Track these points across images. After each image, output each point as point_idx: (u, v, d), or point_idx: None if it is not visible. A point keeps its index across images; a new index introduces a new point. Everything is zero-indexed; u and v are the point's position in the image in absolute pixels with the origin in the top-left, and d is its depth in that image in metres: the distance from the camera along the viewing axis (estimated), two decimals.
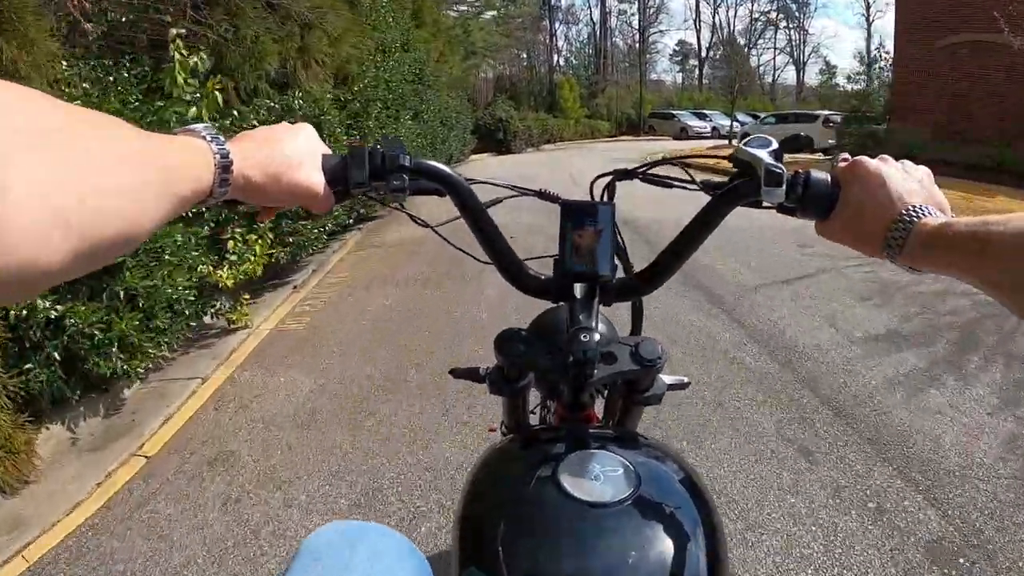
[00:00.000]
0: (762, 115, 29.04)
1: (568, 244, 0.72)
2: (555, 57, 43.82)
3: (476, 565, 0.55)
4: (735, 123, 29.39)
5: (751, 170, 0.67)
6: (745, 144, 0.68)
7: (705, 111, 35.61)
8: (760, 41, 54.14)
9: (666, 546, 0.53)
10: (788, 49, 55.11)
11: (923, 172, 0.63)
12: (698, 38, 52.35)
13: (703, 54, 52.18)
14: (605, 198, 0.81)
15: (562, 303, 0.77)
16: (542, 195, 0.80)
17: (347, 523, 0.67)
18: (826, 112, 22.16)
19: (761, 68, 55.29)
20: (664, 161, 0.82)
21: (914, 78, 14.17)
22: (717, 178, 0.75)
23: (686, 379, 0.86)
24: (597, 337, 0.63)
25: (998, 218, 0.48)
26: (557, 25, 45.57)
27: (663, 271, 0.74)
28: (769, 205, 0.67)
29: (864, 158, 0.63)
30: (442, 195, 0.74)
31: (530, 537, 0.55)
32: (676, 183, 0.80)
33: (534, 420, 0.98)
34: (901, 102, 14.85)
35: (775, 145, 0.67)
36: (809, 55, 55.51)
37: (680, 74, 55.97)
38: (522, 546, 0.54)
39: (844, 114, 19.82)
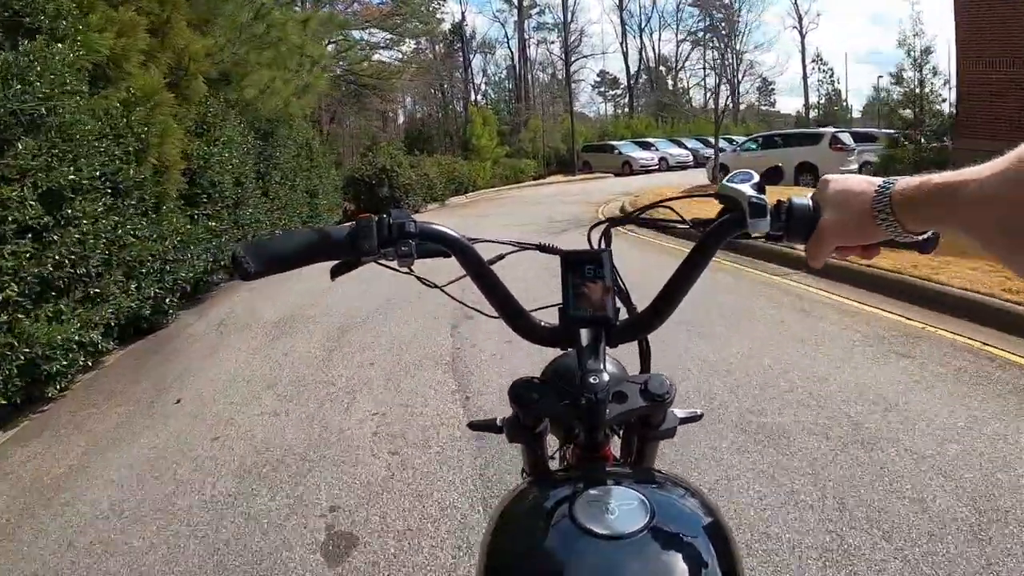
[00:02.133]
0: (738, 140, 23.55)
1: (571, 292, 0.77)
2: (472, 93, 37.97)
3: None
4: (709, 150, 23.86)
5: (736, 204, 0.70)
6: (728, 180, 0.72)
7: (648, 139, 30.02)
8: (686, 64, 50.28)
9: (684, 571, 0.54)
10: (720, 70, 51.42)
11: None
12: (626, 62, 47.83)
13: (631, 79, 47.60)
14: (602, 245, 0.83)
15: (570, 349, 0.78)
16: (543, 248, 0.84)
17: None
18: (832, 129, 16.49)
19: (689, 91, 51.36)
20: (656, 204, 0.88)
21: (975, 92, 11.86)
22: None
23: (699, 411, 0.87)
24: (606, 378, 0.69)
25: (969, 169, 0.49)
26: (472, 55, 39.82)
27: (663, 309, 0.77)
28: (757, 235, 0.70)
29: (830, 174, 0.68)
30: (447, 256, 0.78)
31: (549, 570, 0.56)
32: (669, 224, 0.84)
33: (553, 464, 0.93)
34: (965, 118, 12.08)
35: (756, 178, 0.71)
36: (744, 74, 52.02)
37: (604, 104, 51.28)
38: None
39: (889, 131, 14.08)
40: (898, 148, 12.42)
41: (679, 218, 0.84)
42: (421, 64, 29.78)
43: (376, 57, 23.97)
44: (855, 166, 14.70)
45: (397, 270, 0.78)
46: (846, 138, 15.49)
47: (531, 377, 0.75)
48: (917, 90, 12.71)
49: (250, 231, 7.46)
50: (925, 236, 0.60)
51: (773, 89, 53.37)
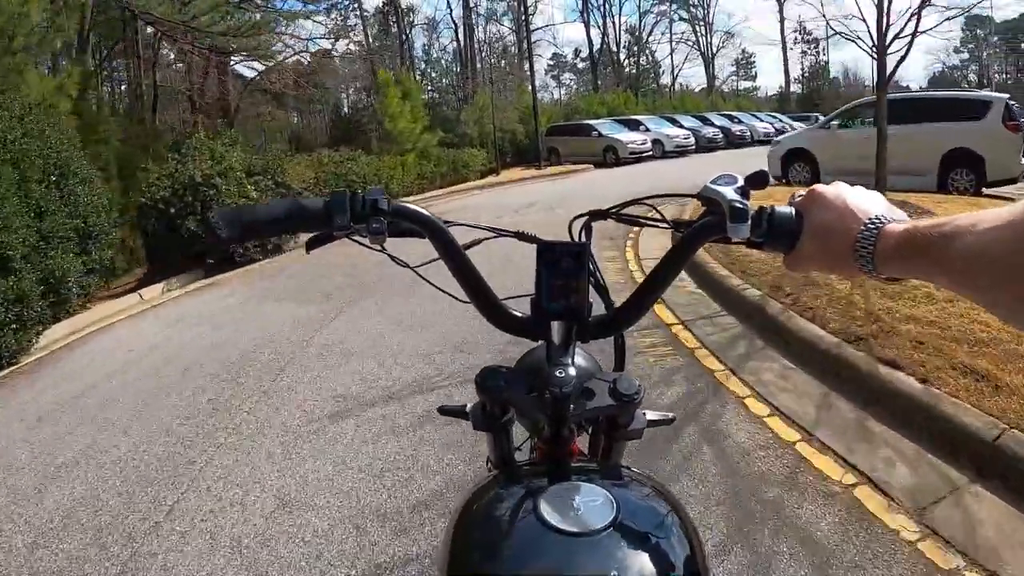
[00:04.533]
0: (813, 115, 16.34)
1: (544, 284, 0.75)
2: (414, 75, 30.01)
3: None
4: (710, 128, 16.54)
5: (718, 208, 0.68)
6: (712, 182, 0.70)
7: (634, 117, 22.62)
8: (650, 37, 43.29)
9: (646, 571, 0.54)
10: (693, 42, 44.61)
11: (875, 194, 0.63)
12: (587, 34, 40.47)
13: (594, 54, 40.29)
14: (582, 238, 0.82)
15: (541, 342, 0.77)
16: (520, 236, 0.83)
17: None
18: (1002, 96, 9.39)
19: (660, 65, 44.40)
20: (636, 201, 0.84)
21: None
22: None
23: (671, 415, 0.88)
24: (573, 373, 0.68)
25: (966, 218, 0.49)
26: (409, 31, 31.78)
27: (639, 307, 0.77)
28: (738, 240, 0.68)
29: (820, 185, 0.64)
30: (422, 237, 0.77)
31: (512, 568, 0.56)
32: (648, 222, 0.84)
33: (522, 456, 0.91)
34: None
35: (741, 182, 0.69)
36: (719, 47, 45.29)
37: (559, 89, 43.71)
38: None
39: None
40: None
41: (660, 216, 0.83)
42: (339, 35, 22.13)
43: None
44: None
45: (369, 247, 0.78)
46: None
47: (501, 366, 0.73)
48: None
49: None
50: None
51: (753, 62, 46.70)
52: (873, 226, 0.57)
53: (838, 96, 46.60)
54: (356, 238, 0.76)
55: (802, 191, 0.67)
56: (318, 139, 22.43)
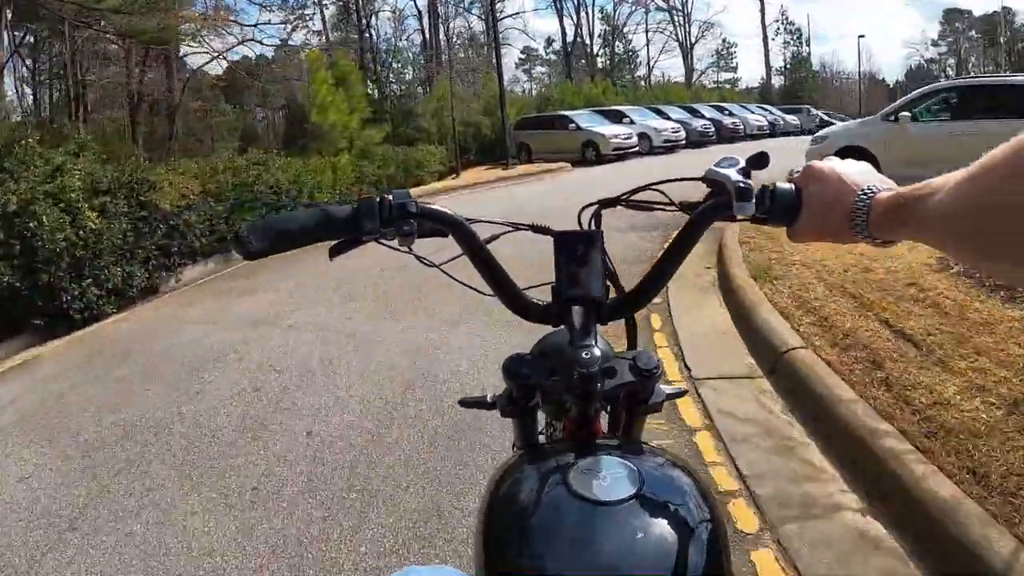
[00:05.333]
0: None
1: (563, 272, 0.78)
2: (377, 67, 26.68)
3: (499, 568, 0.60)
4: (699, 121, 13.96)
5: (723, 189, 0.72)
6: (716, 165, 0.74)
7: (617, 108, 19.86)
8: (625, 27, 40.70)
9: (670, 540, 0.56)
10: (671, 32, 42.12)
11: (866, 165, 0.68)
12: (560, 22, 37.63)
13: (566, 45, 37.48)
14: (593, 226, 0.86)
15: (562, 326, 0.80)
16: (535, 228, 0.87)
17: (424, 569, 0.79)
18: None
19: (636, 55, 41.82)
20: (645, 187, 0.87)
21: None
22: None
23: (684, 388, 0.98)
24: (598, 353, 0.69)
25: (939, 179, 0.53)
26: (368, 19, 28.42)
27: (650, 289, 0.81)
28: (743, 217, 0.73)
29: (815, 162, 0.70)
30: (445, 236, 0.80)
31: (544, 536, 0.58)
32: (657, 207, 0.87)
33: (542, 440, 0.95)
34: None
35: (742, 163, 0.72)
36: (697, 37, 42.86)
37: (530, 83, 40.74)
38: (538, 545, 0.58)
39: None
40: None
41: (668, 200, 0.86)
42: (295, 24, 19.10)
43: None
44: None
45: (397, 249, 0.81)
46: None
47: (523, 353, 0.77)
48: None
49: None
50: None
51: (734, 53, 44.36)
52: (866, 196, 0.62)
53: (815, 89, 45.00)
54: (384, 241, 0.79)
55: (797, 169, 0.72)
56: (278, 138, 19.51)
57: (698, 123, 20.22)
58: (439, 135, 18.70)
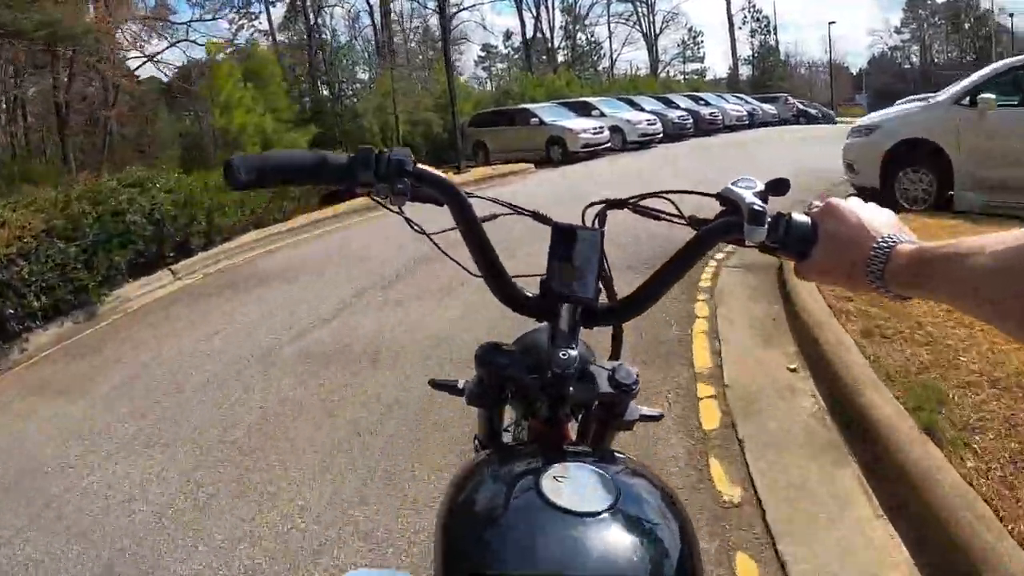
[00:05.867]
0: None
1: (556, 265, 0.74)
2: (325, 66, 23.73)
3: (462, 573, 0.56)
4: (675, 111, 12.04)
5: (736, 209, 0.68)
6: (733, 184, 0.70)
7: (587, 99, 17.66)
8: (587, 16, 38.66)
9: (646, 554, 0.54)
10: (635, 22, 40.20)
11: (891, 214, 0.65)
12: (519, 15, 35.26)
13: (527, 38, 35.17)
14: (596, 225, 0.80)
15: (545, 323, 0.77)
16: (536, 216, 0.82)
17: (375, 572, 0.78)
18: None
19: (600, 47, 39.82)
20: (655, 194, 0.82)
21: None
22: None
23: (660, 412, 0.87)
24: (575, 355, 0.68)
25: (973, 240, 0.52)
26: (321, 16, 25.49)
27: (644, 299, 0.76)
28: (752, 244, 0.68)
29: (836, 198, 0.66)
30: (441, 204, 0.76)
31: (513, 545, 0.55)
32: (664, 216, 0.81)
33: (506, 439, 0.95)
34: None
35: (760, 186, 0.69)
36: (662, 27, 40.95)
37: (490, 81, 38.33)
38: (505, 554, 0.54)
39: None
40: None
41: (677, 212, 0.80)
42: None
43: None
44: None
45: (388, 208, 0.78)
46: None
47: (498, 343, 0.74)
48: None
49: None
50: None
51: (701, 43, 42.52)
52: (886, 244, 0.59)
53: (783, 78, 43.45)
54: (376, 198, 0.76)
55: (819, 202, 0.68)
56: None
57: (674, 114, 18.08)
58: (383, 135, 16.27)
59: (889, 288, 0.58)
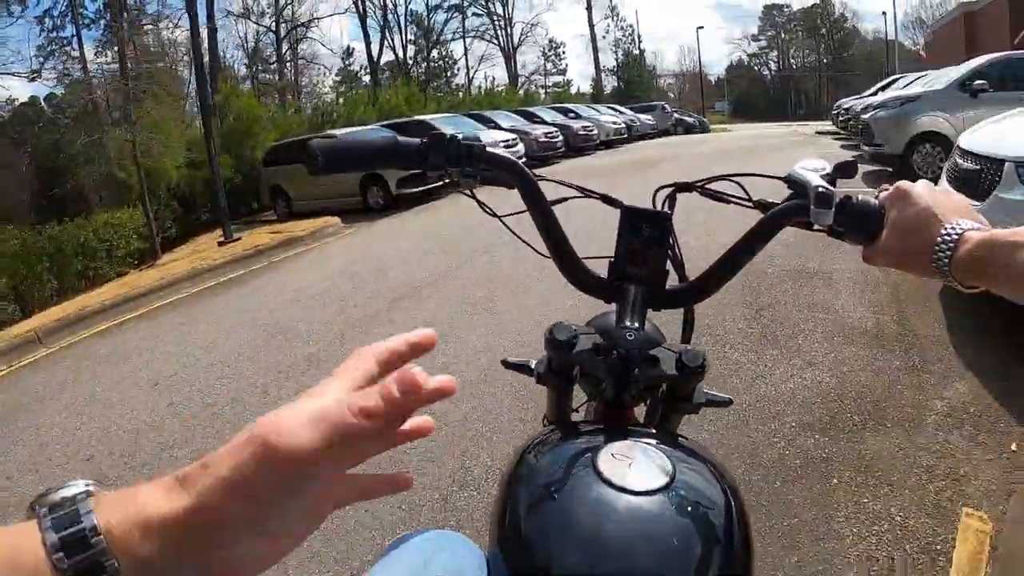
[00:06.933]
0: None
1: (624, 247, 0.74)
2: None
3: (513, 545, 0.57)
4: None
5: (803, 192, 0.68)
6: (800, 166, 0.70)
7: (423, 118, 13.71)
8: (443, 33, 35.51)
9: (695, 537, 0.54)
10: (492, 36, 37.34)
11: (962, 197, 0.64)
12: (363, 29, 31.16)
13: (372, 55, 31.12)
14: (666, 207, 0.80)
15: (615, 305, 0.77)
16: (606, 199, 0.81)
17: (432, 533, 0.67)
18: None
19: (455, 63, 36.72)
20: (722, 177, 0.82)
21: None
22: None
23: (728, 397, 0.85)
24: (642, 337, 0.67)
25: None
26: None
27: (714, 282, 0.75)
28: (819, 228, 0.68)
29: (906, 182, 0.64)
30: (511, 187, 0.77)
31: (563, 516, 0.55)
32: (733, 199, 0.81)
33: (576, 419, 0.93)
34: None
35: (828, 168, 0.69)
36: (520, 40, 38.26)
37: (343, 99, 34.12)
38: (555, 524, 0.55)
39: None
40: None
41: (745, 195, 0.80)
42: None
43: None
44: None
45: (460, 190, 0.79)
46: None
47: (568, 323, 0.72)
48: None
49: None
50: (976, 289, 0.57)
51: (563, 54, 40.28)
52: (954, 231, 0.57)
53: (649, 88, 42.01)
54: (447, 179, 0.77)
55: (888, 185, 0.66)
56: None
57: (539, 131, 14.53)
58: (149, 187, 11.52)
59: (955, 278, 0.57)
